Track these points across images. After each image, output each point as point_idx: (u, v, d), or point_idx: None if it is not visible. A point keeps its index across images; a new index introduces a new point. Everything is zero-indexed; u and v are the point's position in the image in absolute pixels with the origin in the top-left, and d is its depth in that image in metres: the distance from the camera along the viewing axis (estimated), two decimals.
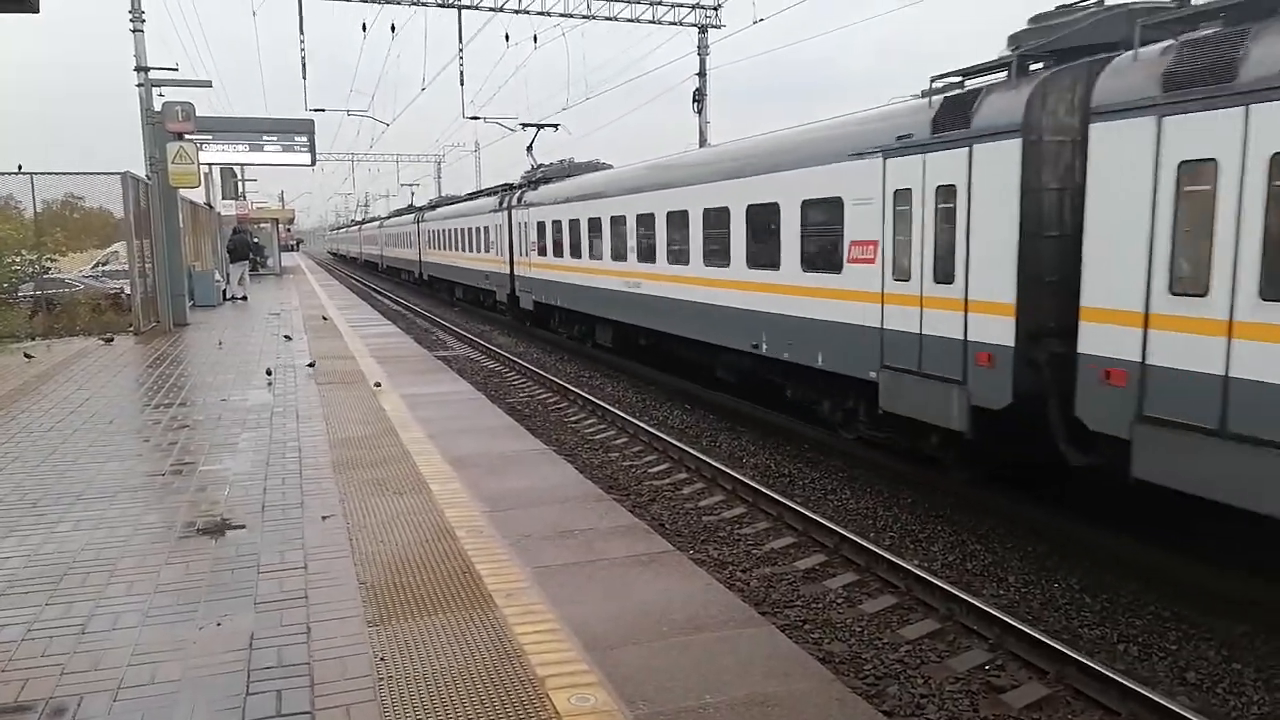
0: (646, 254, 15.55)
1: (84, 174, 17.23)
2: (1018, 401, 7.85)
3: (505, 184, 27.62)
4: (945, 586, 7.02)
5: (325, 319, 19.71)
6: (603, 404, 14.35)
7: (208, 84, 19.77)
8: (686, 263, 13.99)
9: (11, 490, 6.59)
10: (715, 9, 25.66)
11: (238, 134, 23.00)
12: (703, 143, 24.68)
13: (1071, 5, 8.09)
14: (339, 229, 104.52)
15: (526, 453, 7.72)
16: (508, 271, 25.22)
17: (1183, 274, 6.38)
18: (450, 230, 33.47)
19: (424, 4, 23.41)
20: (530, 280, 23.17)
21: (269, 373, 11.71)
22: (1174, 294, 6.44)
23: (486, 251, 27.73)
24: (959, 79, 8.77)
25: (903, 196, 9.09)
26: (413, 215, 44.30)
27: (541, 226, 21.76)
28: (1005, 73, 8.12)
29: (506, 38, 25.88)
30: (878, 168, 9.39)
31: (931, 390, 8.75)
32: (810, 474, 10.70)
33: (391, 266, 54.12)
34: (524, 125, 26.86)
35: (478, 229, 28.70)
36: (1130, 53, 6.83)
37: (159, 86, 18.81)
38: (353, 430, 8.41)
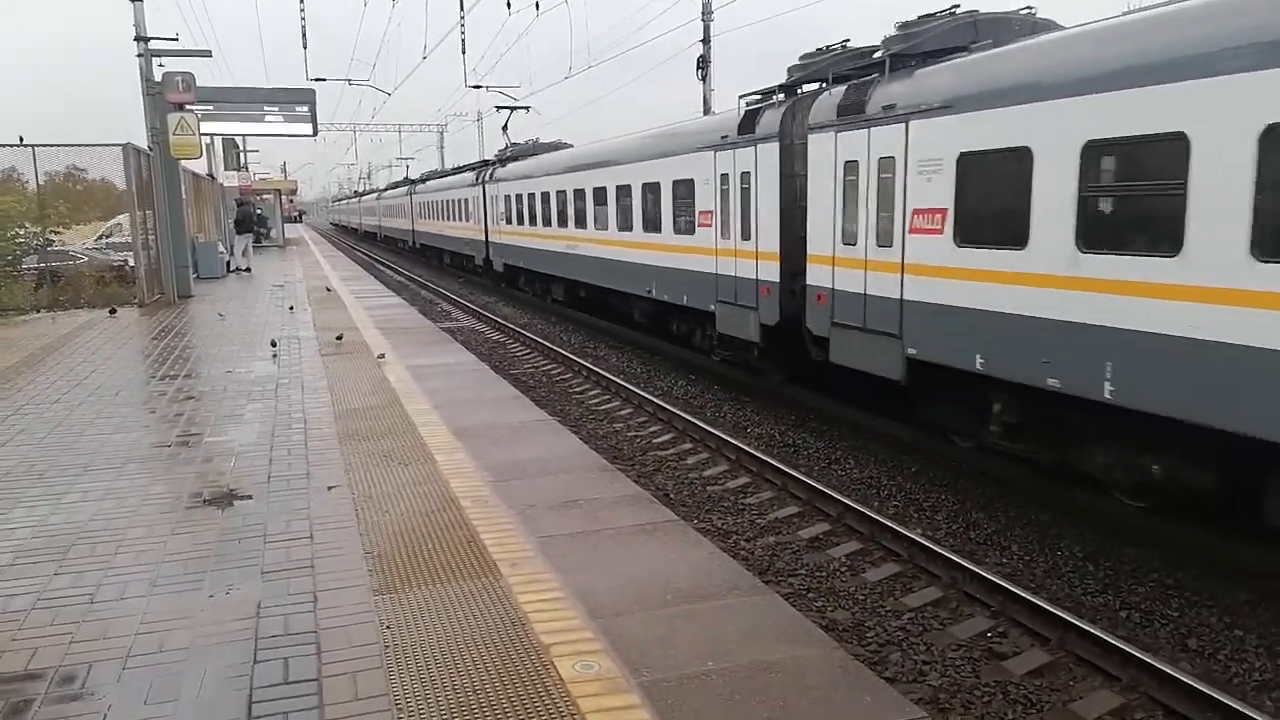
0: (581, 222, 18.92)
1: (86, 145, 17.17)
2: (783, 320, 11.54)
3: (483, 160, 31.07)
4: (948, 555, 7.05)
5: (329, 290, 19.69)
6: (607, 375, 14.37)
7: (207, 54, 19.58)
8: (607, 229, 17.40)
9: (19, 461, 6.63)
10: None
11: (239, 104, 22.79)
12: (706, 110, 24.47)
13: (828, 47, 11.34)
14: (340, 200, 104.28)
15: (531, 423, 7.73)
16: (483, 239, 28.49)
17: (848, 231, 9.91)
18: (437, 202, 36.69)
19: None
20: (501, 246, 26.44)
21: (274, 344, 11.72)
22: (844, 244, 9.99)
23: (466, 221, 30.84)
24: (758, 96, 12.15)
25: (725, 179, 12.61)
26: (406, 188, 46.60)
27: (508, 199, 25.04)
28: (780, 95, 11.67)
29: (509, 4, 25.58)
30: (712, 157, 12.90)
31: (741, 315, 12.48)
32: (814, 443, 10.72)
33: (389, 236, 55.83)
34: (498, 108, 30.18)
35: (459, 200, 31.95)
36: (828, 90, 10.43)
37: (159, 57, 18.64)
38: (358, 401, 8.43)
